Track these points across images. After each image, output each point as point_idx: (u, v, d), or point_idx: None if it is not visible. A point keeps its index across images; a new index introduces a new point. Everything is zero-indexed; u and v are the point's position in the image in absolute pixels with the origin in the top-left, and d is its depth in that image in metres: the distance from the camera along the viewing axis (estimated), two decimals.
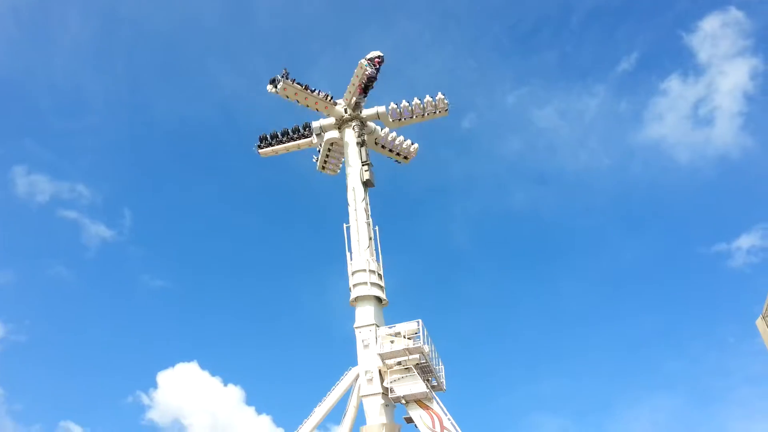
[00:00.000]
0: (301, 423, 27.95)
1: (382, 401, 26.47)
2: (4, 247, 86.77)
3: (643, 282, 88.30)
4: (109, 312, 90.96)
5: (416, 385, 25.92)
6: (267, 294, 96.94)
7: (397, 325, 27.83)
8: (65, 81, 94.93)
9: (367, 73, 31.64)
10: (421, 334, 26.89)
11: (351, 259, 30.25)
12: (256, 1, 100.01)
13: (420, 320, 27.32)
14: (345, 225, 31.43)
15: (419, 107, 33.34)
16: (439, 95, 33.01)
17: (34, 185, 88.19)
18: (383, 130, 34.77)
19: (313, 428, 27.56)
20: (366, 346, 27.77)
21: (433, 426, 25.30)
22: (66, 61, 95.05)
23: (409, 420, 26.31)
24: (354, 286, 29.59)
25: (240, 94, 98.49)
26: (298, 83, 32.59)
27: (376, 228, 31.43)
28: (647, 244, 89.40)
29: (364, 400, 27.07)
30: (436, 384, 27.08)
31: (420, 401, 25.98)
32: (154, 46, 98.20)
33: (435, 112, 33.40)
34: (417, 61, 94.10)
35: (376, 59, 31.59)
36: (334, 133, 34.35)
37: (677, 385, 78.21)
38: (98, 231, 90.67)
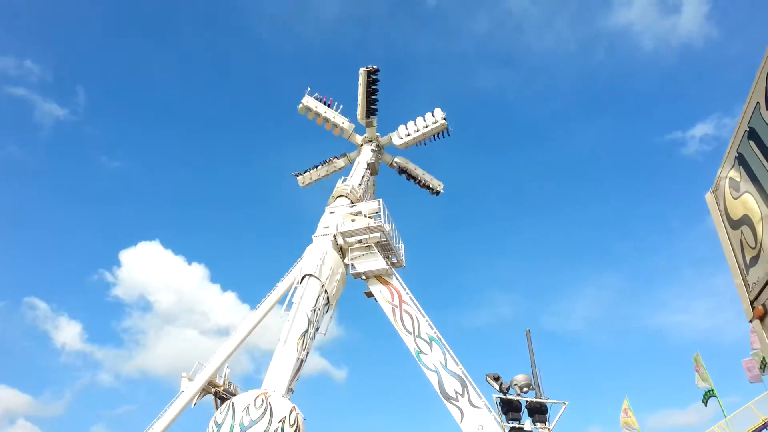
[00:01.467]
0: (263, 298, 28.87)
1: (332, 240, 27.02)
2: None
3: (599, 168, 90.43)
4: (68, 192, 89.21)
5: (376, 262, 26.64)
6: (228, 174, 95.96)
7: (358, 204, 28.05)
8: None
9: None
10: (381, 213, 27.24)
11: (343, 181, 31.09)
12: None
13: (381, 200, 27.59)
14: (342, 178, 32.10)
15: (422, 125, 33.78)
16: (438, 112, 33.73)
17: None
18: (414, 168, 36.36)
19: (275, 302, 28.46)
20: (332, 213, 28.15)
21: (392, 300, 26.35)
22: None
23: (369, 294, 27.28)
24: (338, 189, 30.19)
25: None
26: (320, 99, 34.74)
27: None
28: (606, 130, 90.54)
29: (315, 239, 27.48)
30: (395, 261, 27.84)
31: (380, 277, 26.82)
32: None
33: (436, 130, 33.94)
34: None
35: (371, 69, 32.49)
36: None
37: (623, 266, 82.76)
38: (51, 110, 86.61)
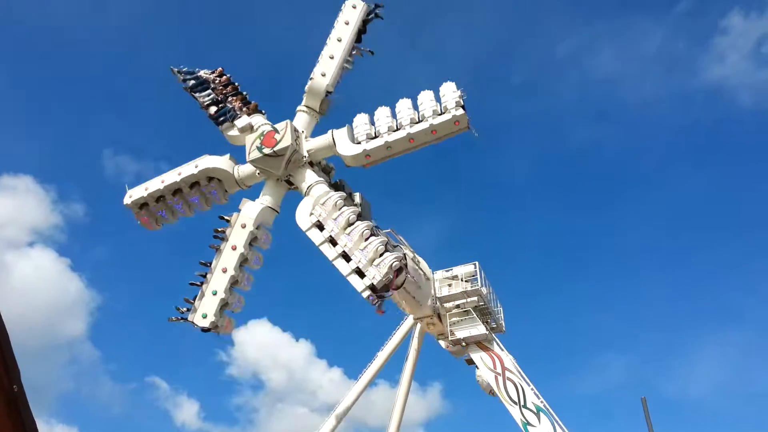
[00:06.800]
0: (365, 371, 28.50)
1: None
2: None
3: (709, 218, 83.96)
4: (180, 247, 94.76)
5: (475, 328, 25.73)
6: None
7: (454, 268, 27.54)
8: None
9: None
10: (478, 276, 26.54)
11: None
12: None
13: (477, 262, 26.94)
14: None
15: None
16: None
17: None
18: None
19: (376, 372, 28.05)
20: None
21: (494, 367, 25.13)
22: None
23: (470, 362, 26.25)
24: None
25: None
26: None
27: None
28: (712, 180, 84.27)
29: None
30: (495, 326, 26.77)
31: (480, 343, 25.80)
32: None
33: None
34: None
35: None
36: None
37: (746, 320, 74.50)
38: None
